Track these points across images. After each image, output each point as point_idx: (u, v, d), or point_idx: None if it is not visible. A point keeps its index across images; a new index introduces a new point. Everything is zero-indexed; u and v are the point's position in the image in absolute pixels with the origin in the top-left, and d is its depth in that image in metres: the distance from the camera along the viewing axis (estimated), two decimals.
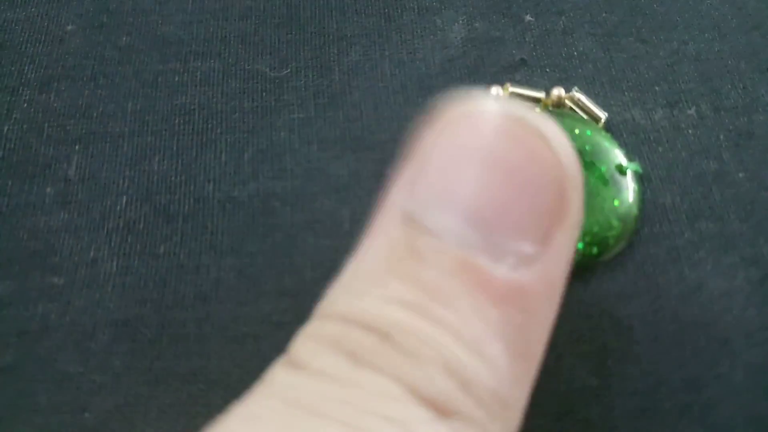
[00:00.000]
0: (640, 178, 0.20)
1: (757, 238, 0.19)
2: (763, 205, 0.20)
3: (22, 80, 0.22)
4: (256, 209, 0.20)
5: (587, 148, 0.20)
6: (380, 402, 0.11)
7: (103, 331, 0.18)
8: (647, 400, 0.18)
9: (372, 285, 0.12)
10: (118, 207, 0.20)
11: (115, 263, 0.19)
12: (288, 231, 0.19)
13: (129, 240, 0.19)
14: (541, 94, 0.21)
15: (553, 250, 0.12)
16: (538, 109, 0.21)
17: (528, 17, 0.22)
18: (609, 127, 0.21)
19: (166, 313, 0.18)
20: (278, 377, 0.11)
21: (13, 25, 0.22)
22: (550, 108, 0.21)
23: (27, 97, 0.21)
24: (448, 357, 0.11)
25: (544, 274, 0.12)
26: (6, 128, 0.21)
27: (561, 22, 0.22)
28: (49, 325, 0.18)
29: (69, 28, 0.22)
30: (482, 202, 0.11)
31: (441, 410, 0.11)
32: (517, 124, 0.12)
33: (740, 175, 0.20)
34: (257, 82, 0.21)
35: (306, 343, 0.12)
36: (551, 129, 0.12)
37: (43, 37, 0.22)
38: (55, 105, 0.21)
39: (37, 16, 0.23)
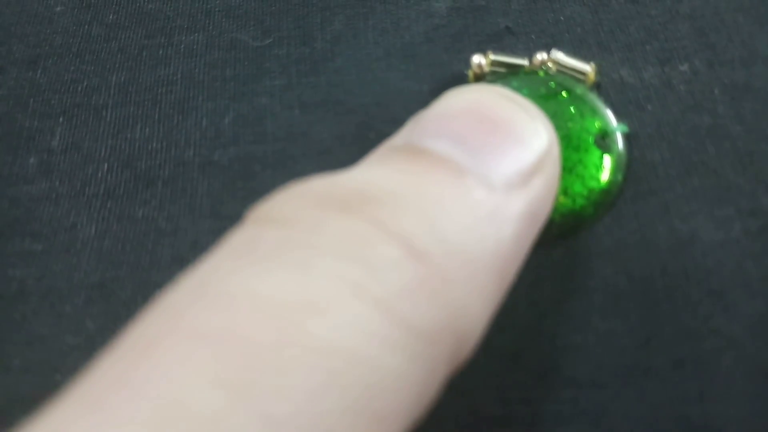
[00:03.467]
0: (628, 138, 0.19)
1: (756, 189, 0.18)
2: (762, 156, 0.19)
3: (10, 59, 0.22)
4: (236, 173, 0.19)
5: (572, 110, 0.19)
6: (345, 242, 0.10)
7: (79, 294, 0.18)
8: (637, 356, 0.17)
9: (359, 168, 0.12)
10: (99, 174, 0.20)
11: (93, 228, 0.19)
12: (268, 194, 0.19)
13: (108, 205, 0.19)
14: (524, 61, 0.20)
15: (527, 192, 0.13)
16: (522, 73, 0.20)
17: None
18: (598, 86, 0.20)
19: (141, 275, 0.18)
20: (234, 235, 0.11)
21: (3, 6, 0.23)
22: (536, 70, 0.20)
23: (14, 74, 0.22)
24: (430, 213, 0.11)
25: (520, 206, 0.13)
26: None
27: None
28: (25, 290, 0.18)
29: (58, 9, 0.23)
30: (472, 134, 0.13)
31: (411, 252, 0.10)
32: (507, 101, 0.14)
33: (737, 128, 0.19)
34: (239, 52, 0.21)
35: (273, 198, 0.12)
36: (532, 107, 0.14)
37: (32, 17, 0.23)
38: (41, 81, 0.21)
39: None
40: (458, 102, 0.14)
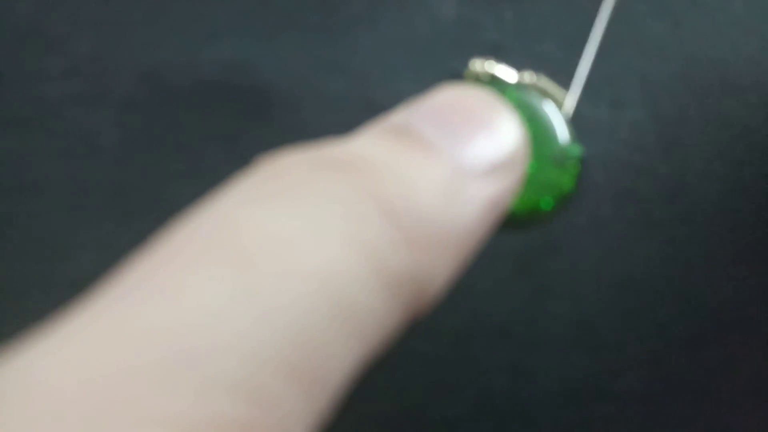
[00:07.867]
0: (580, 159, 0.23)
1: (674, 221, 0.23)
2: (683, 197, 0.23)
3: None
4: (251, 103, 0.21)
5: (549, 127, 0.23)
6: (329, 194, 0.13)
7: (97, 195, 0.19)
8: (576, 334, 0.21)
9: (352, 140, 0.14)
10: (123, 84, 0.21)
11: (116, 134, 0.20)
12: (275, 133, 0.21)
13: (130, 114, 0.20)
14: (513, 76, 0.24)
15: (492, 183, 0.15)
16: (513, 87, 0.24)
17: (508, 13, 0.26)
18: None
19: (158, 186, 0.20)
20: (246, 177, 0.13)
21: None
22: (524, 87, 0.24)
23: None
24: (402, 184, 0.13)
25: (483, 193, 0.15)
26: (24, 7, 0.22)
27: (535, 22, 0.26)
28: (45, 185, 0.19)
29: None
30: (454, 124, 0.15)
31: (380, 209, 0.13)
32: (491, 102, 0.16)
33: (665, 171, 0.24)
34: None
35: (279, 155, 0.13)
36: (513, 114, 0.17)
37: None
38: None
39: None
40: (450, 95, 0.16)
